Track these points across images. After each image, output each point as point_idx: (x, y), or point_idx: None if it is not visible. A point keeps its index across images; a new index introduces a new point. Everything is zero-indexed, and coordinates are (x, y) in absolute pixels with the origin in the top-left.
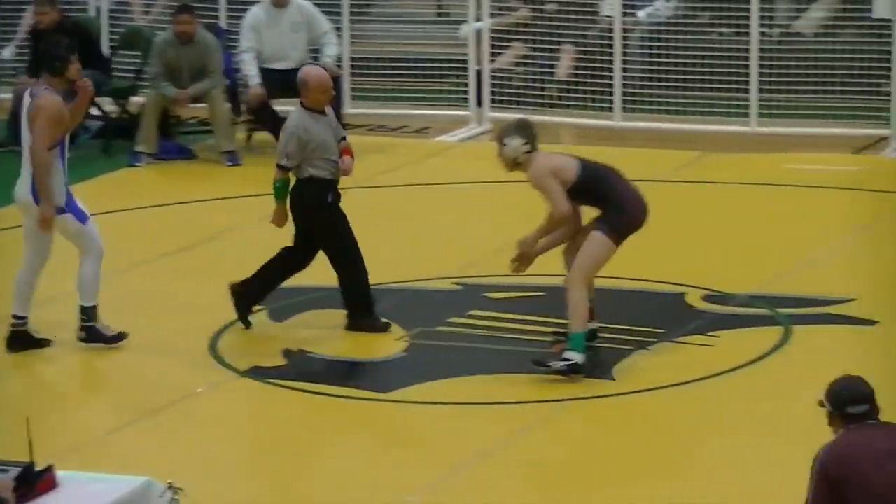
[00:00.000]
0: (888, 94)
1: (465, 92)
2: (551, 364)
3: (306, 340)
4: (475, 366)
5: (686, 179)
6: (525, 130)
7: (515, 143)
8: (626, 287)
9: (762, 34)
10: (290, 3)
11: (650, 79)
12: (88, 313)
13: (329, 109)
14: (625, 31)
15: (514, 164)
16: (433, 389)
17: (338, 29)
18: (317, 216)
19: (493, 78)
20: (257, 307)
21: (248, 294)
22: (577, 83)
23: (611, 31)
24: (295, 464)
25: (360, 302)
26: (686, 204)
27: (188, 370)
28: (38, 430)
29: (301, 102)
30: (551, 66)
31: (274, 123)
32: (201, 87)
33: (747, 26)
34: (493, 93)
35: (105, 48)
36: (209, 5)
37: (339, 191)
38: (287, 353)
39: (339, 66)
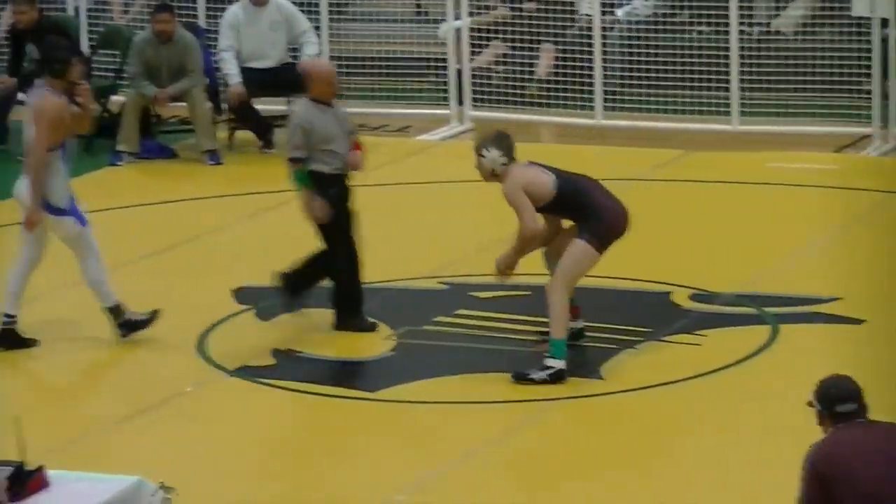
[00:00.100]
0: (869, 92)
1: (446, 91)
2: (534, 376)
3: (294, 340)
4: (463, 365)
5: (668, 178)
6: (502, 142)
7: (493, 155)
8: (612, 286)
9: (741, 32)
10: (269, 2)
11: (631, 77)
12: (115, 312)
13: (338, 103)
14: (604, 29)
15: (492, 175)
16: (421, 388)
17: (316, 28)
18: None
19: (474, 77)
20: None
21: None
22: (557, 82)
23: (590, 29)
24: (282, 463)
25: (347, 302)
26: (668, 202)
27: (176, 370)
28: (27, 430)
29: (308, 95)
30: (531, 65)
31: (256, 122)
32: (181, 87)
33: (727, 25)
34: (473, 92)
35: (84, 47)
36: (188, 4)
37: (348, 186)
38: (275, 353)
39: None
